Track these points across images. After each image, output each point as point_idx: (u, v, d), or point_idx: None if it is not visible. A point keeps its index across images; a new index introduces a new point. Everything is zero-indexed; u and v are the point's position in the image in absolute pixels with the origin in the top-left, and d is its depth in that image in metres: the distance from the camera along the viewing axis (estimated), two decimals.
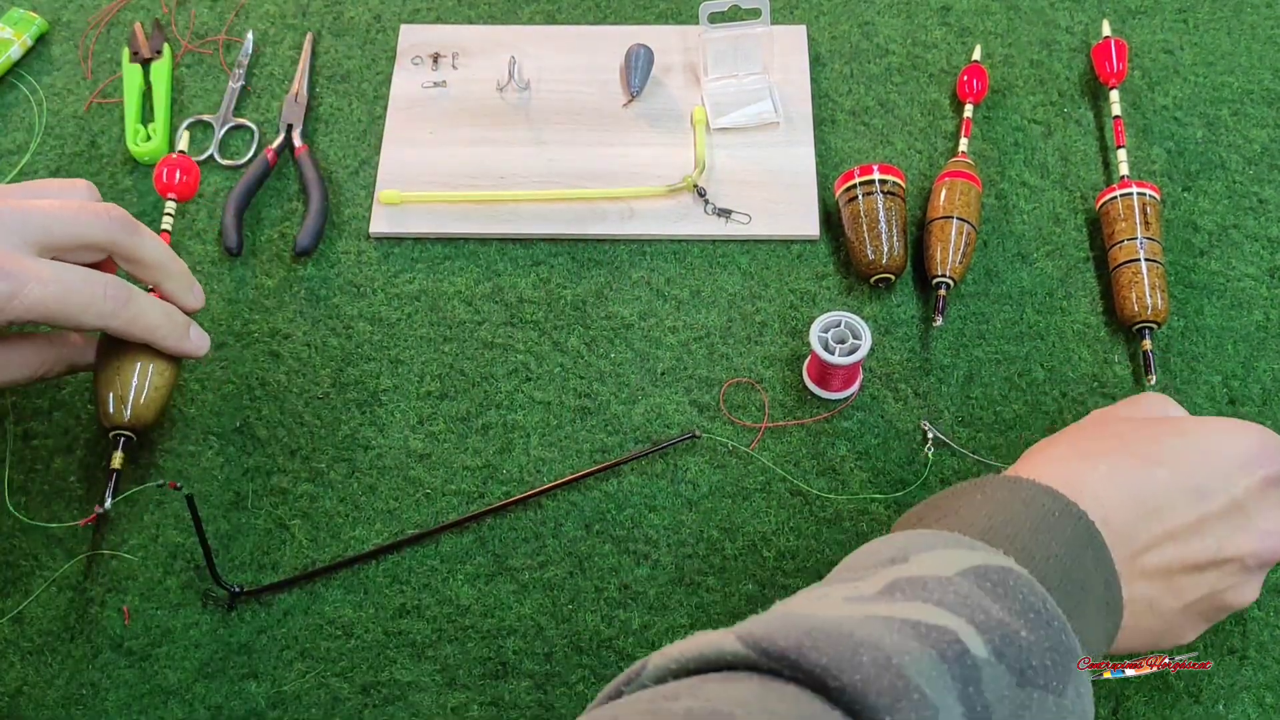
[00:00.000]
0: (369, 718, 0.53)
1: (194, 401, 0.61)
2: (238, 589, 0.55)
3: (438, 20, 0.76)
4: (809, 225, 0.66)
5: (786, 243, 0.66)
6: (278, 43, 0.75)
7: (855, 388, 0.61)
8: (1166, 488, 0.44)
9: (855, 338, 0.57)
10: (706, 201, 0.67)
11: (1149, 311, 0.60)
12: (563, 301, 0.64)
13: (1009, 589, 0.37)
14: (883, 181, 0.63)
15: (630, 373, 0.62)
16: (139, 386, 0.54)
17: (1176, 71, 0.72)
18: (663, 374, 0.62)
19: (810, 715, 0.31)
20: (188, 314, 0.57)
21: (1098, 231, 0.66)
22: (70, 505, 0.58)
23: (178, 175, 0.63)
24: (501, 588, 0.56)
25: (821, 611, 0.36)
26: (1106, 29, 0.71)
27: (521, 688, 0.54)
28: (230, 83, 0.73)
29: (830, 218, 0.67)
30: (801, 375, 0.62)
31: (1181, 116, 0.70)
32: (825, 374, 0.59)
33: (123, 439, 0.55)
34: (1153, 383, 0.60)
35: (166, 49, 0.74)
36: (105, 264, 0.54)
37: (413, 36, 0.75)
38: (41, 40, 0.75)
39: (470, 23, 0.76)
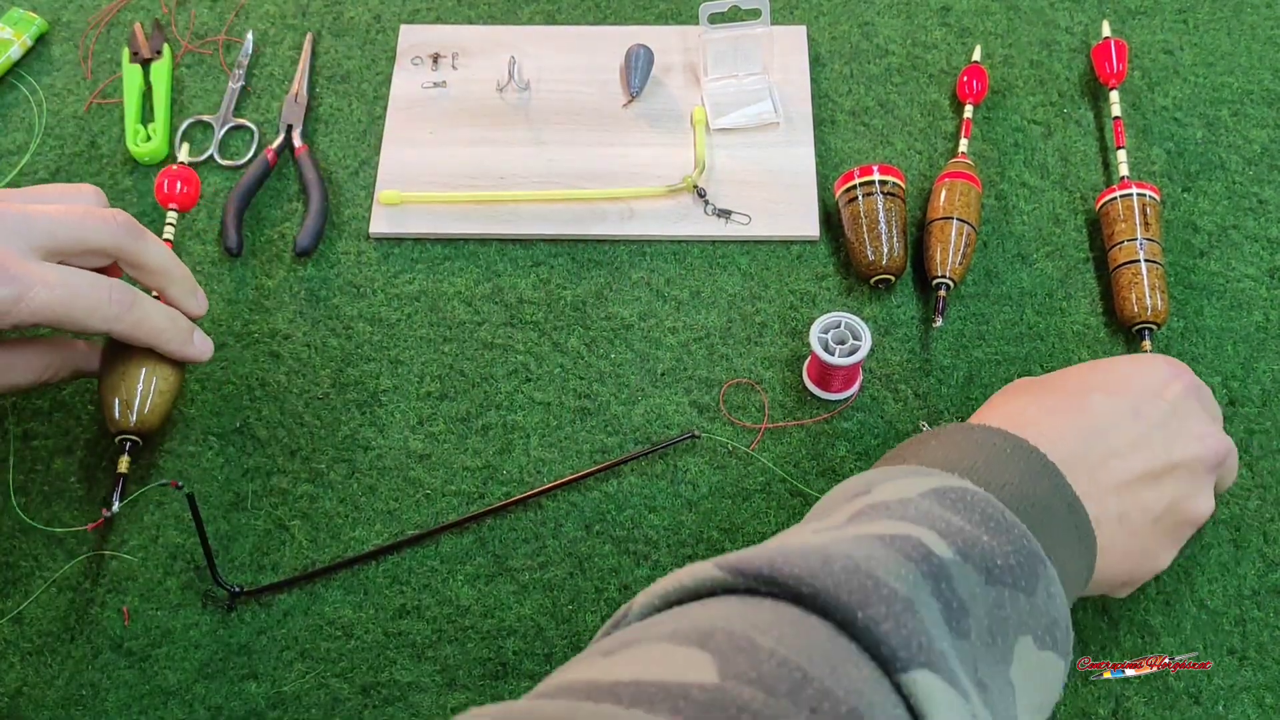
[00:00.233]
0: (369, 718, 0.53)
1: (194, 402, 0.62)
2: (238, 589, 0.55)
3: (438, 20, 0.76)
4: (809, 226, 0.66)
5: (786, 243, 0.66)
6: (278, 43, 0.75)
7: (855, 389, 0.61)
8: (1104, 411, 0.47)
9: (855, 338, 0.57)
10: (706, 202, 0.67)
11: (1149, 312, 0.60)
12: (562, 302, 0.64)
13: (967, 503, 0.39)
14: (883, 182, 0.63)
15: (630, 373, 0.62)
16: (144, 392, 0.55)
17: (1176, 72, 0.72)
18: (663, 375, 0.62)
19: (788, 620, 0.32)
20: (191, 319, 0.57)
21: (1097, 232, 0.66)
22: (71, 506, 0.58)
23: (179, 186, 0.63)
24: (502, 588, 0.56)
25: (793, 540, 0.38)
26: (1106, 29, 0.71)
27: (522, 688, 0.54)
28: (230, 83, 0.73)
29: (830, 218, 0.67)
30: (801, 376, 0.62)
31: (1181, 117, 0.70)
32: (825, 375, 0.59)
33: (129, 444, 0.55)
34: None
35: (166, 49, 0.74)
36: (110, 269, 0.54)
37: (413, 37, 0.75)
38: (41, 40, 0.75)
39: (470, 23, 0.76)
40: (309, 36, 0.74)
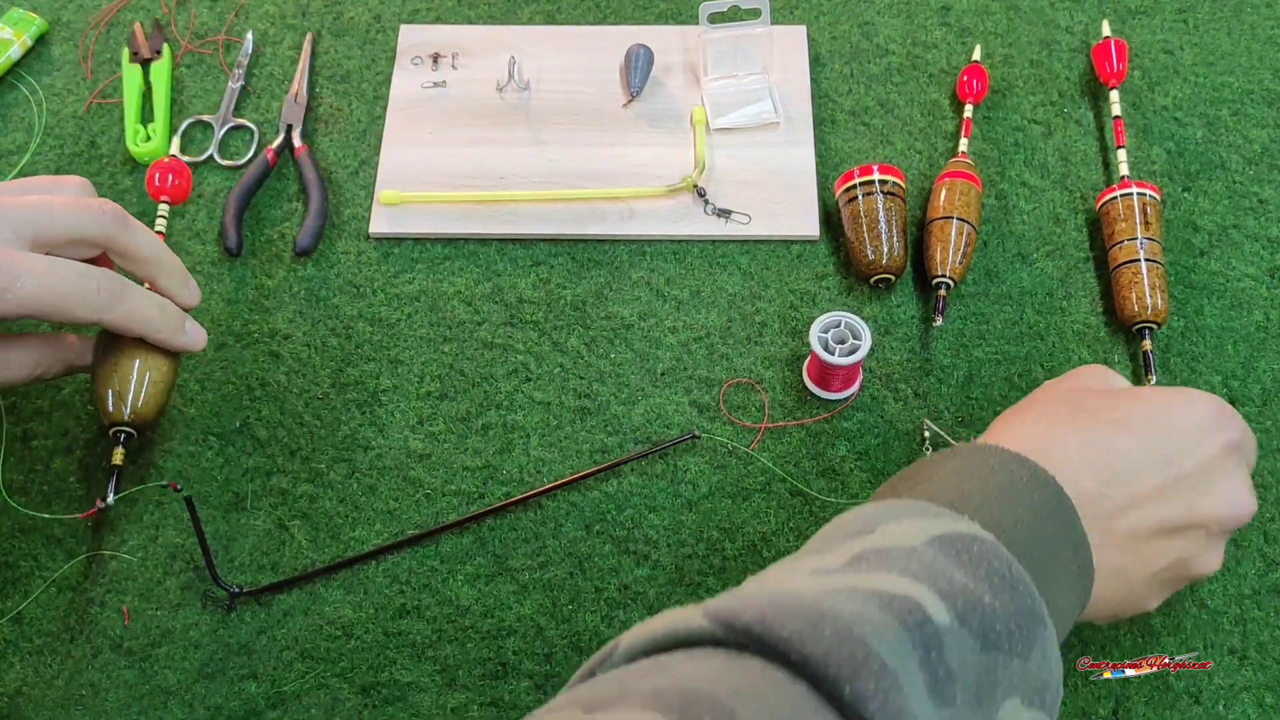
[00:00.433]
0: (369, 718, 0.53)
1: (194, 402, 0.61)
2: (237, 589, 0.55)
3: (437, 20, 0.76)
4: (809, 225, 0.66)
5: (786, 243, 0.66)
6: (277, 43, 0.75)
7: (855, 388, 0.61)
8: (1134, 454, 0.45)
9: (855, 338, 0.57)
10: (706, 202, 0.67)
11: (1149, 312, 0.60)
12: (562, 302, 0.64)
13: (973, 556, 0.37)
14: (882, 182, 0.63)
15: (630, 373, 0.62)
16: (138, 383, 0.54)
17: (1176, 71, 0.72)
18: (662, 374, 0.62)
19: (774, 687, 0.32)
20: (184, 309, 0.56)
21: (1098, 232, 0.66)
22: (70, 506, 0.58)
23: (170, 179, 0.63)
24: (501, 588, 0.56)
25: (788, 585, 0.36)
26: (1106, 29, 0.71)
27: (521, 688, 0.54)
28: (230, 83, 0.73)
29: (830, 218, 0.67)
30: (801, 376, 0.62)
31: (1181, 116, 0.70)
32: (825, 374, 0.59)
33: (123, 435, 0.55)
34: (1153, 383, 0.60)
35: (166, 49, 0.74)
36: (100, 260, 0.54)
37: (412, 37, 0.75)
38: (41, 40, 0.75)
39: (470, 23, 0.76)
40: (309, 36, 0.74)
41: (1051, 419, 0.47)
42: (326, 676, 0.54)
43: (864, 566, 0.37)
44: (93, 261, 0.52)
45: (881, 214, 0.63)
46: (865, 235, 0.63)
